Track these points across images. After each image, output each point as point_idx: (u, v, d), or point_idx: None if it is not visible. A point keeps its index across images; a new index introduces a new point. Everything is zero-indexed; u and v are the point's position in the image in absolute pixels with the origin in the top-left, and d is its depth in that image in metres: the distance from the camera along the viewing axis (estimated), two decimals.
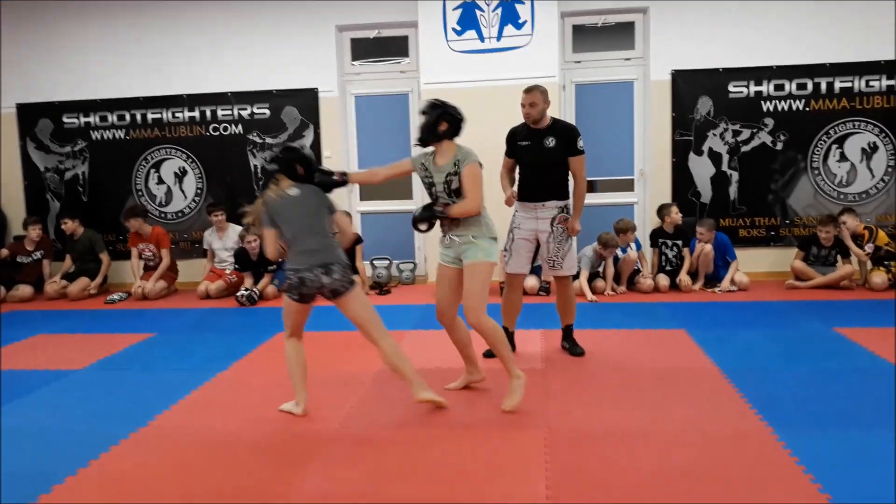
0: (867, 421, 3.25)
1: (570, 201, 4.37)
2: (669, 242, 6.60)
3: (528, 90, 4.25)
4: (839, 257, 6.40)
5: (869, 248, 6.32)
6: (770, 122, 6.84)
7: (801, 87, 6.78)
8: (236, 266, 6.88)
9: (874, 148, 6.80)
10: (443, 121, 3.50)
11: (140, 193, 7.66)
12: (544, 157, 4.26)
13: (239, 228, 6.96)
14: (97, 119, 7.58)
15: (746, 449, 2.99)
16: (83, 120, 7.59)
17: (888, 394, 3.58)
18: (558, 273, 4.41)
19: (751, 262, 6.84)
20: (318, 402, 3.65)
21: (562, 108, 6.99)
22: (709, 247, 6.44)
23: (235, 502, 2.65)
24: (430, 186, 3.63)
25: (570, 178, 4.37)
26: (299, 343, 3.57)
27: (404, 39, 7.33)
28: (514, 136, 4.42)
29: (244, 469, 2.94)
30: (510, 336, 4.59)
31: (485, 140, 6.59)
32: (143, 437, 3.32)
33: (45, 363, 4.68)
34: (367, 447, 3.13)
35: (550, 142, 4.25)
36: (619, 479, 2.76)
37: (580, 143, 4.26)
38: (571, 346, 4.51)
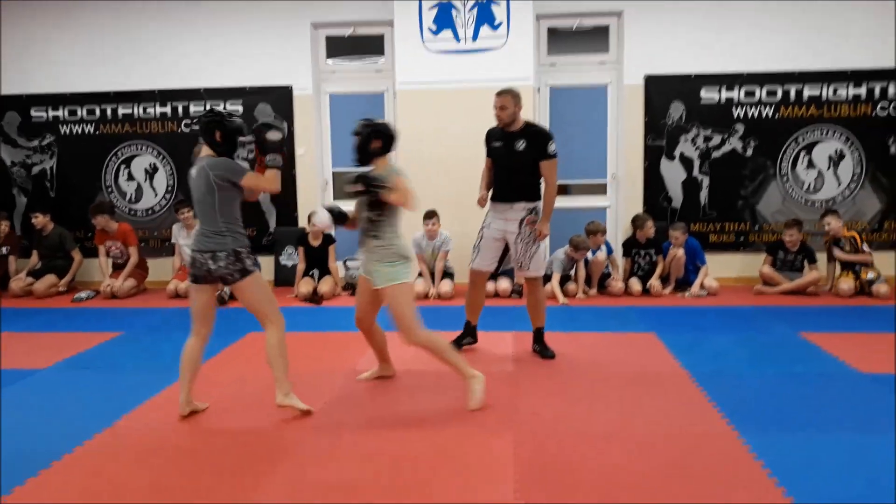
0: (831, 424, 3.31)
1: (540, 204, 4.40)
2: (643, 252, 6.68)
3: (500, 93, 4.31)
4: (805, 263, 6.51)
5: (867, 249, 6.41)
6: (740, 127, 6.94)
7: (771, 93, 6.89)
8: None
9: (841, 155, 6.93)
10: (374, 139, 3.57)
11: (110, 190, 7.54)
12: (514, 159, 4.32)
13: None
14: (66, 113, 7.45)
15: (712, 451, 3.03)
16: (52, 114, 7.45)
17: (851, 398, 3.66)
18: (525, 274, 4.48)
19: (720, 267, 6.93)
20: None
21: (536, 111, 7.02)
22: (681, 251, 6.51)
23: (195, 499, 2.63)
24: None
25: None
26: (195, 339, 3.49)
27: (380, 38, 7.30)
28: (489, 137, 4.50)
29: (210, 472, 2.91)
30: (472, 330, 4.70)
31: (459, 140, 6.64)
32: (107, 438, 3.26)
33: (9, 362, 4.58)
34: (336, 447, 3.12)
35: (521, 145, 4.30)
36: (587, 479, 2.78)
37: (551, 148, 4.29)
38: (542, 349, 4.53)
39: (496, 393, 3.81)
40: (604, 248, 6.56)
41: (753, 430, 3.23)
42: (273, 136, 3.37)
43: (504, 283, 6.47)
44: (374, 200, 3.51)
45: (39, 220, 7.07)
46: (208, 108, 7.30)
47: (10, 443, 3.22)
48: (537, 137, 4.31)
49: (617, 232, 7.11)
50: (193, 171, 3.39)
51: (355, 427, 3.38)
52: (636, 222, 6.69)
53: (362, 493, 2.69)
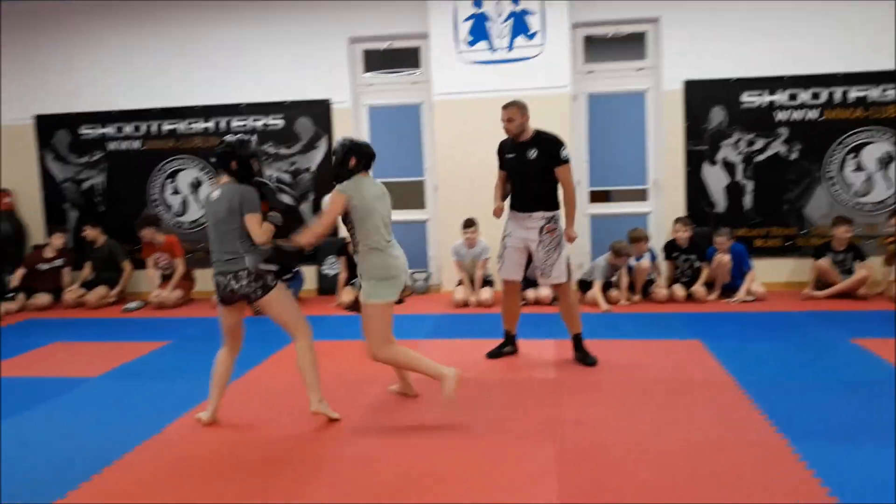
0: (888, 435, 3.20)
1: (559, 211, 4.45)
2: (683, 256, 6.58)
3: (506, 106, 4.37)
4: (854, 264, 6.34)
5: None
6: (784, 131, 6.80)
7: (815, 96, 6.75)
8: None
9: (890, 158, 6.73)
10: (351, 157, 3.55)
11: (156, 203, 7.73)
12: (527, 168, 4.36)
13: None
14: (114, 130, 7.67)
15: (762, 460, 2.96)
16: (100, 131, 7.69)
17: None
18: (549, 281, 4.52)
19: (767, 273, 6.78)
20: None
21: (574, 118, 6.99)
22: (726, 257, 6.39)
23: None
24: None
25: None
26: (227, 351, 3.65)
27: (416, 51, 7.37)
28: (501, 150, 4.56)
29: (257, 478, 2.95)
30: (511, 339, 4.71)
31: (494, 151, 6.62)
32: (156, 445, 3.33)
33: (61, 371, 4.73)
34: (378, 454, 3.14)
35: (533, 153, 4.33)
36: (631, 489, 2.74)
37: (564, 153, 4.32)
38: (583, 356, 4.50)
39: (538, 401, 3.80)
40: (647, 254, 6.48)
41: (805, 439, 3.15)
42: (275, 218, 3.52)
43: (545, 291, 6.43)
44: (345, 218, 3.57)
45: (90, 233, 7.29)
46: (249, 122, 7.46)
47: (63, 449, 3.31)
48: (548, 145, 4.34)
49: (660, 238, 7.01)
50: (214, 196, 3.50)
51: (397, 434, 3.40)
52: (675, 224, 6.63)
53: (404, 500, 2.69)
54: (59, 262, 7.36)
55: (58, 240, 7.33)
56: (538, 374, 4.30)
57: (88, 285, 7.29)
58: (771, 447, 3.08)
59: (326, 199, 3.61)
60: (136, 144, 7.67)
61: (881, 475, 2.78)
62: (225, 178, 3.51)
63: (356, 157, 3.56)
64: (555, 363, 4.53)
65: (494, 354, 4.65)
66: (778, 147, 6.83)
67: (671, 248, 6.66)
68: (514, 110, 4.33)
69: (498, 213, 4.51)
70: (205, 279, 7.47)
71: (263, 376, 4.49)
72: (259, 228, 3.41)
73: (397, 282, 3.59)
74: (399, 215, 7.47)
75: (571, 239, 4.41)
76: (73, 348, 5.43)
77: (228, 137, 3.58)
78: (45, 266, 7.32)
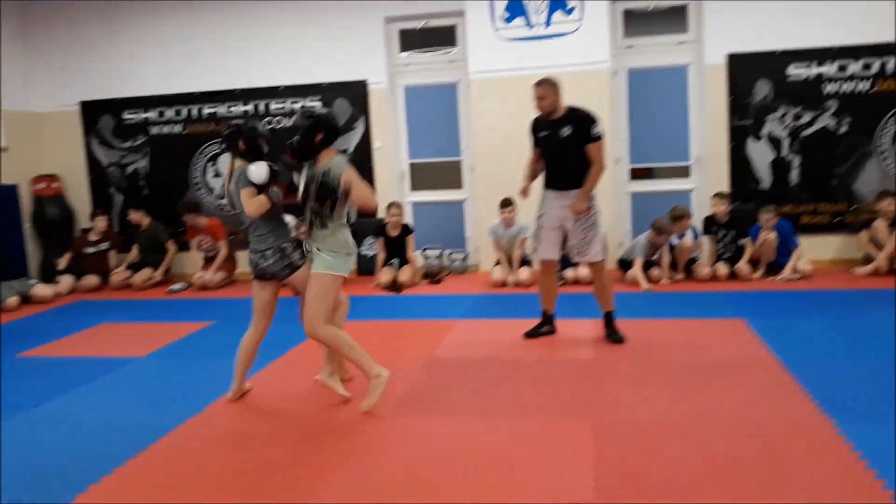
0: None
1: (595, 192, 4.38)
2: (722, 231, 6.44)
3: (538, 83, 4.31)
4: None
5: None
6: (833, 104, 6.57)
7: (867, 67, 6.49)
8: None
9: None
10: (317, 131, 3.40)
11: (198, 186, 7.86)
12: (561, 146, 4.30)
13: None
14: (156, 115, 7.80)
15: (805, 441, 2.90)
16: (142, 116, 7.83)
17: None
18: (585, 259, 4.49)
19: (815, 250, 6.58)
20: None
21: (614, 95, 6.87)
22: (772, 234, 6.23)
23: (289, 484, 2.71)
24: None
25: None
26: (253, 331, 3.71)
27: (452, 29, 7.30)
28: (535, 128, 4.50)
29: (302, 451, 3.00)
30: (549, 319, 4.68)
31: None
32: (198, 423, 3.41)
33: (109, 351, 4.86)
34: (415, 437, 3.16)
35: (566, 131, 4.27)
36: (669, 470, 2.71)
37: (595, 130, 4.25)
38: (611, 333, 4.47)
39: (575, 381, 3.77)
40: (689, 232, 6.36)
41: (850, 420, 3.07)
42: (275, 194, 3.48)
43: (584, 270, 6.36)
44: (322, 192, 3.41)
45: (135, 216, 7.46)
46: (287, 104, 7.51)
47: (112, 425, 3.42)
48: (582, 122, 4.27)
49: (702, 215, 6.84)
50: (232, 184, 3.58)
51: (437, 413, 3.42)
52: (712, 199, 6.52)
53: (437, 483, 2.71)
54: (104, 246, 7.54)
55: (101, 223, 7.50)
56: (576, 355, 4.27)
57: (134, 267, 7.47)
58: (816, 429, 3.01)
59: (341, 174, 3.37)
60: (178, 128, 7.79)
61: None
62: (238, 163, 3.57)
63: (321, 132, 3.41)
64: (593, 343, 4.49)
65: (532, 334, 4.64)
66: (826, 121, 6.61)
67: (709, 223, 6.53)
68: (546, 87, 4.27)
69: (524, 193, 4.49)
70: (245, 261, 7.60)
71: (306, 355, 4.54)
72: (250, 202, 3.42)
73: (353, 258, 3.59)
74: (436, 195, 7.56)
75: (577, 211, 4.30)
76: (121, 329, 5.58)
77: (236, 122, 3.65)
78: (91, 249, 7.51)
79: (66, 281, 7.27)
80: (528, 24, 6.79)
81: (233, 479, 2.81)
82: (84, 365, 4.51)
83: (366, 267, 7.41)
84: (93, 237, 7.53)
